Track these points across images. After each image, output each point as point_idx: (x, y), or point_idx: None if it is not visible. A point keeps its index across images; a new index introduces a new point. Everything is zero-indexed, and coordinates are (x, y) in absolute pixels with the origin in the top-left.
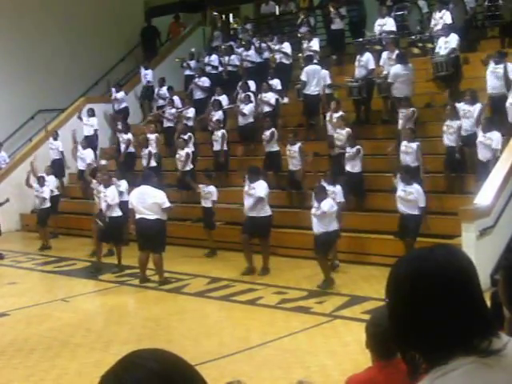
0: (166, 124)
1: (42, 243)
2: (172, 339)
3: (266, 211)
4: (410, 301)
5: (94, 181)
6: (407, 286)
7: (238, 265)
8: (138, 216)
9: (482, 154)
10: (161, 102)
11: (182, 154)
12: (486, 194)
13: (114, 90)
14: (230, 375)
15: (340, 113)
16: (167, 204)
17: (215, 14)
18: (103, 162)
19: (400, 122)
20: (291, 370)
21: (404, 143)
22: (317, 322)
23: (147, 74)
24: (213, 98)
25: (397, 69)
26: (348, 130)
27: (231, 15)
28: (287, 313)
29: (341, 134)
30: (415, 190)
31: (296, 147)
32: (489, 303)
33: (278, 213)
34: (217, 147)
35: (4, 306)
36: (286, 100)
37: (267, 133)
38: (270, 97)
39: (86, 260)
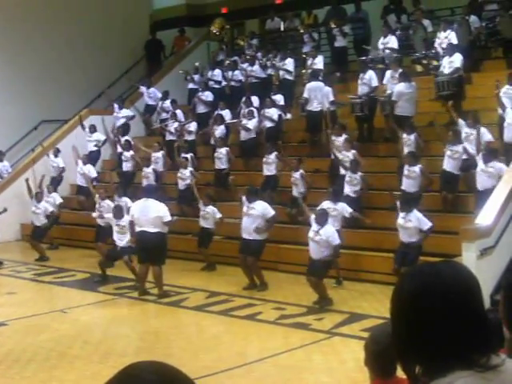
0: (168, 137)
1: (39, 255)
2: (170, 353)
3: (262, 235)
4: (412, 315)
5: (97, 195)
6: (410, 300)
7: (237, 279)
8: (138, 229)
9: (482, 184)
10: (164, 115)
11: (184, 172)
12: (487, 214)
13: (116, 106)
14: None
15: (344, 136)
16: (168, 218)
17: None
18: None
19: (403, 147)
20: None
21: (406, 167)
22: (315, 338)
23: (152, 93)
24: (215, 113)
25: (401, 87)
26: (354, 152)
27: (236, 31)
28: (286, 329)
29: (346, 156)
30: (414, 217)
31: (298, 174)
32: None
33: (278, 228)
34: (220, 165)
35: (2, 316)
36: (289, 116)
37: (271, 156)
38: (273, 112)
39: (86, 271)
